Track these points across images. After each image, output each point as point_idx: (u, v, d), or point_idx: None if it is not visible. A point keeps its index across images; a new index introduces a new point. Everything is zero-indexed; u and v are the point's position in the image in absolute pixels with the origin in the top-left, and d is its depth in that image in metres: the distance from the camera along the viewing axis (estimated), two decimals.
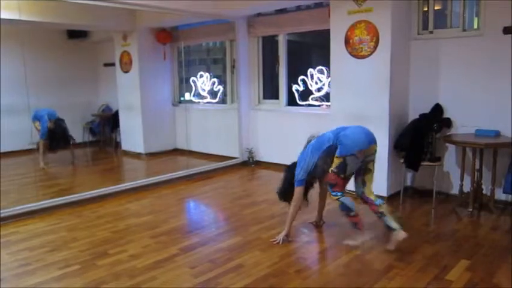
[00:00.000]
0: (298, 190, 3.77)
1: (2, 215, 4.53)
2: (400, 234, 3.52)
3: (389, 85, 4.79)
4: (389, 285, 3.01)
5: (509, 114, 4.50)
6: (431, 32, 5.02)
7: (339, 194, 3.62)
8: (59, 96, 8.25)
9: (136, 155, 8.23)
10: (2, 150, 7.25)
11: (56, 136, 7.14)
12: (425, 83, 5.08)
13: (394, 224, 3.56)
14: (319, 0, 5.79)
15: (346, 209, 3.62)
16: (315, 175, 3.86)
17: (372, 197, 3.66)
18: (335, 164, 3.57)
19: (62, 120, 7.30)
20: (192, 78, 8.26)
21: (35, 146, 7.25)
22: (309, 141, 3.91)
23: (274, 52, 6.94)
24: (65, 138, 7.28)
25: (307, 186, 3.89)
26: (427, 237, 3.91)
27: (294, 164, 3.92)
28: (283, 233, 3.83)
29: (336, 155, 3.57)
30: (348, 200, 3.62)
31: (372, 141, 3.60)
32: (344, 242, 3.74)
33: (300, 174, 3.76)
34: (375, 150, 3.65)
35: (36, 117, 7.07)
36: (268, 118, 7.06)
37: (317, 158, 3.70)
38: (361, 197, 3.75)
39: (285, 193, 3.94)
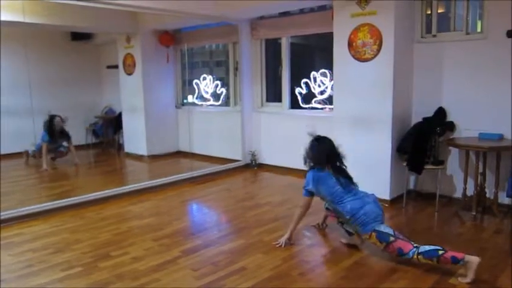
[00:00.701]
0: (305, 199, 3.76)
1: (6, 217, 4.54)
2: (354, 239, 3.70)
3: (392, 88, 4.79)
4: None
5: None
6: (434, 35, 5.02)
7: (414, 250, 3.23)
8: (62, 98, 8.27)
9: (139, 157, 8.24)
10: (5, 152, 7.27)
11: (54, 133, 7.19)
12: (429, 86, 5.07)
13: (351, 228, 3.67)
14: (322, 3, 5.80)
15: (433, 253, 3.15)
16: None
17: None
18: (377, 243, 3.40)
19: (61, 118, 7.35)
20: (195, 80, 8.27)
21: (30, 152, 7.34)
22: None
23: (277, 55, 6.94)
24: (63, 133, 7.35)
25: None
26: (430, 241, 3.87)
27: (322, 138, 3.83)
28: (285, 236, 3.82)
29: (363, 233, 3.47)
30: (425, 246, 3.23)
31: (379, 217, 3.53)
32: (460, 280, 3.13)
33: (309, 186, 3.72)
34: None
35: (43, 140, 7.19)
36: (271, 121, 7.06)
37: (325, 199, 3.75)
38: (326, 208, 3.88)
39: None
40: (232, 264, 3.43)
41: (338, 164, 3.72)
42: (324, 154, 3.72)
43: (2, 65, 7.40)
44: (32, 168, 7.31)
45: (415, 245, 3.26)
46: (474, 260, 3.06)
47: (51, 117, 7.22)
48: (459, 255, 3.09)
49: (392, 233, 3.37)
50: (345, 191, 3.59)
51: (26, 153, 7.55)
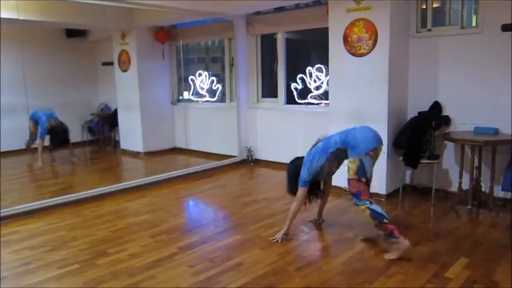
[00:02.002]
0: (301, 190, 3.78)
1: (2, 215, 4.53)
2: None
3: (388, 83, 4.79)
4: (388, 283, 3.01)
5: (509, 112, 4.51)
6: (429, 30, 5.02)
7: (367, 202, 3.43)
8: (58, 95, 8.25)
9: (135, 154, 8.23)
10: (1, 150, 7.25)
11: (56, 133, 7.14)
12: (424, 81, 5.08)
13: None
14: None
15: (379, 217, 3.38)
16: (319, 177, 3.88)
17: None
18: (352, 170, 3.46)
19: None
20: (191, 77, 8.25)
21: (24, 146, 7.29)
22: (316, 143, 3.86)
23: (273, 50, 6.93)
24: (64, 134, 7.28)
25: (311, 187, 3.89)
26: (426, 235, 3.92)
27: (296, 159, 3.97)
28: (282, 231, 3.83)
29: (350, 158, 3.49)
30: (378, 207, 3.43)
31: (379, 139, 3.59)
32: (384, 257, 3.38)
33: (305, 175, 3.75)
34: (381, 151, 3.64)
35: (33, 118, 7.07)
36: (267, 116, 7.05)
37: (323, 160, 3.70)
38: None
39: (293, 187, 3.91)
40: (229, 260, 3.44)
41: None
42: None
43: None
44: (28, 165, 7.29)
45: (371, 200, 3.49)
46: (406, 243, 3.31)
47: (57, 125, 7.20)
48: (396, 233, 3.33)
49: (365, 179, 3.45)
50: (325, 139, 3.78)
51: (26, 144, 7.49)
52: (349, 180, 3.51)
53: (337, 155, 3.67)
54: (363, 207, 3.45)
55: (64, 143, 7.33)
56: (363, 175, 3.44)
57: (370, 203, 3.45)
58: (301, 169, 3.81)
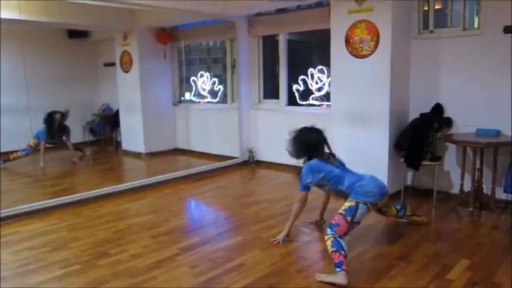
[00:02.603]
0: (302, 194, 3.75)
1: (3, 215, 4.53)
2: None
3: (389, 84, 4.79)
4: (389, 284, 3.01)
5: (510, 114, 4.50)
6: (431, 32, 5.02)
7: (336, 235, 3.24)
8: (59, 96, 8.25)
9: (137, 155, 8.23)
10: (2, 150, 7.25)
11: (53, 130, 7.17)
12: (426, 82, 5.07)
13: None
14: None
15: (338, 247, 3.15)
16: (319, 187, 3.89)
17: None
18: (344, 206, 3.43)
19: (61, 114, 7.32)
20: (193, 78, 8.25)
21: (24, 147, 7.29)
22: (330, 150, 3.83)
23: (275, 52, 6.94)
24: (61, 128, 7.33)
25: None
26: (427, 237, 3.91)
27: (314, 129, 3.89)
28: (283, 233, 3.83)
29: (350, 199, 3.48)
30: (343, 242, 3.21)
31: (384, 195, 3.62)
32: (316, 275, 3.17)
33: (307, 180, 3.71)
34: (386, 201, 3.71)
35: (37, 136, 7.13)
36: (269, 118, 7.05)
37: (328, 186, 3.72)
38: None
39: (297, 155, 3.86)
40: (230, 261, 3.44)
41: (328, 150, 3.82)
42: (315, 145, 3.78)
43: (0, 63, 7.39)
44: (29, 166, 7.29)
45: (340, 235, 3.25)
46: (344, 281, 3.01)
47: (50, 114, 7.20)
48: (345, 267, 3.05)
49: (351, 220, 3.32)
50: (342, 171, 3.67)
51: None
52: (337, 212, 3.43)
53: (339, 192, 3.70)
54: (330, 236, 3.24)
55: (62, 133, 7.38)
56: (350, 216, 3.35)
57: (340, 236, 3.24)
58: (321, 141, 3.78)
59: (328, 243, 3.21)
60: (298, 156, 3.86)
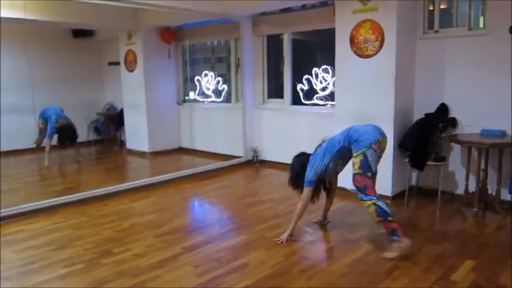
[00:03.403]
0: (307, 190, 3.76)
1: (8, 214, 4.55)
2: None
3: (394, 84, 4.77)
4: (393, 285, 3.00)
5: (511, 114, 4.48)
6: (436, 31, 5.00)
7: (374, 198, 3.37)
8: (64, 95, 8.27)
9: (141, 154, 8.25)
10: (7, 149, 7.28)
11: (64, 132, 7.17)
12: (431, 83, 5.05)
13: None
14: None
15: (383, 214, 3.34)
16: (325, 177, 3.87)
17: None
18: (356, 164, 3.44)
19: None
20: (197, 77, 8.26)
21: (34, 145, 7.30)
22: (321, 144, 3.86)
23: (279, 51, 6.92)
24: (72, 133, 7.30)
25: (317, 187, 3.88)
26: (432, 237, 3.90)
27: (302, 154, 3.99)
28: (287, 232, 3.82)
29: (354, 153, 3.48)
30: (384, 204, 3.38)
31: (382, 133, 3.56)
32: (383, 256, 3.41)
33: (310, 175, 3.74)
34: (385, 146, 3.60)
35: (43, 116, 7.10)
36: (273, 117, 7.05)
37: (328, 159, 3.70)
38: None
39: (294, 183, 3.94)
40: (234, 261, 3.44)
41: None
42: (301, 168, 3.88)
43: (3, 62, 7.40)
44: (34, 165, 7.32)
45: (377, 196, 3.43)
46: (407, 242, 3.33)
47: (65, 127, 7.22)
48: (399, 233, 3.34)
49: (370, 173, 3.42)
50: (329, 140, 3.77)
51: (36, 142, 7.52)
52: (354, 175, 3.47)
53: (342, 154, 3.67)
54: (369, 202, 3.39)
55: (71, 141, 7.34)
56: (367, 170, 3.40)
57: (377, 198, 3.39)
58: (305, 165, 3.82)
59: (372, 211, 3.36)
60: (303, 184, 3.85)
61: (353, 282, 3.07)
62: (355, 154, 3.48)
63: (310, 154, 3.90)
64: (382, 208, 3.35)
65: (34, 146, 7.33)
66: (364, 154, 3.41)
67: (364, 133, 3.49)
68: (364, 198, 3.42)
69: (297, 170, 3.90)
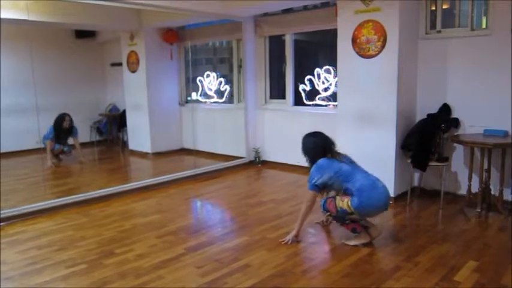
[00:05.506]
0: (311, 194, 3.72)
1: (10, 214, 4.56)
2: (360, 239, 3.75)
3: (396, 85, 4.77)
4: (396, 286, 2.99)
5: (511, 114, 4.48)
6: (439, 32, 4.99)
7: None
8: (66, 95, 8.30)
9: (143, 155, 8.25)
10: (10, 150, 7.30)
11: (61, 131, 7.20)
12: (433, 83, 5.05)
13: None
14: None
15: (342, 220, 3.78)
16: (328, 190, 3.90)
17: None
18: (343, 206, 3.58)
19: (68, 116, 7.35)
20: (199, 77, 8.27)
21: (42, 145, 7.29)
22: (342, 159, 3.78)
23: (281, 52, 6.93)
24: (70, 130, 7.34)
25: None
26: (434, 238, 3.89)
27: (315, 133, 3.97)
28: (292, 233, 3.81)
29: (353, 206, 3.53)
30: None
31: (384, 209, 3.68)
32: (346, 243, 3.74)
33: (315, 179, 3.68)
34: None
35: (46, 137, 7.16)
36: (275, 118, 7.05)
37: (337, 184, 3.67)
38: (324, 209, 3.82)
39: (310, 157, 3.93)
40: (236, 262, 3.43)
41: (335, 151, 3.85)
42: (320, 146, 3.82)
43: (7, 63, 7.42)
44: (37, 165, 7.32)
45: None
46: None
47: (61, 116, 7.22)
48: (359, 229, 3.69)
49: (335, 215, 3.73)
50: (352, 168, 3.68)
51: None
52: (336, 200, 3.65)
53: (346, 192, 3.67)
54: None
55: (69, 132, 7.39)
56: (342, 214, 3.66)
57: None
58: (318, 144, 3.84)
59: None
60: (309, 162, 3.88)
61: (355, 283, 3.07)
62: (353, 207, 3.54)
63: (323, 134, 3.91)
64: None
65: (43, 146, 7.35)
66: (352, 213, 3.59)
67: (373, 211, 3.66)
68: (324, 207, 3.78)
69: (310, 149, 3.89)
